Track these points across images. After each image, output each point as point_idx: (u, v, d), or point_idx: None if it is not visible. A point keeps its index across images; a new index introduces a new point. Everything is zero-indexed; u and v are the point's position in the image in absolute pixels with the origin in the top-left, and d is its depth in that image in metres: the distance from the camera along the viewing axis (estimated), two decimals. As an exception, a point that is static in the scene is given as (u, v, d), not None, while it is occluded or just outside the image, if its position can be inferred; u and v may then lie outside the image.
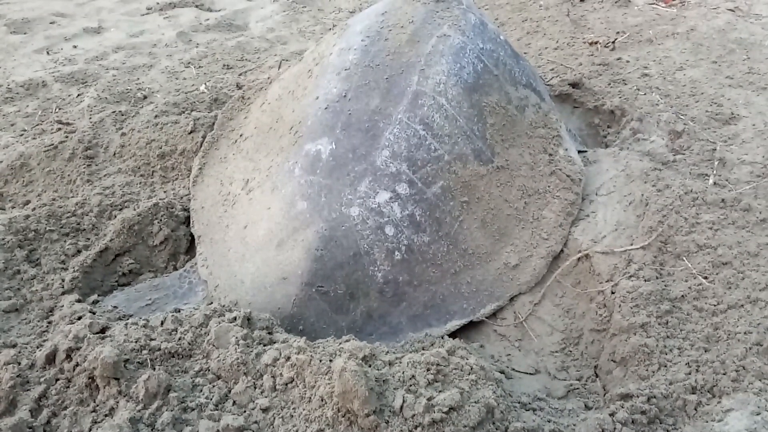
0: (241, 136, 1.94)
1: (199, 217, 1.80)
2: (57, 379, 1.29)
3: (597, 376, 1.50)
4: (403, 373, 1.23)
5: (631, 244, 1.67)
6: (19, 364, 1.31)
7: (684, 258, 1.61)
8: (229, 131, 2.00)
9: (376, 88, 1.73)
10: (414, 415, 1.15)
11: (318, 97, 1.77)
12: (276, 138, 1.80)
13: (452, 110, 1.72)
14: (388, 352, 1.31)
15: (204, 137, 2.09)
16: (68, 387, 1.27)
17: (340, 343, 1.34)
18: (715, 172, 1.86)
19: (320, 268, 1.51)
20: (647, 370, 1.40)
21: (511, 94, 1.90)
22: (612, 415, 1.29)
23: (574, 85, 2.43)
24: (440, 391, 1.20)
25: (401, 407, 1.16)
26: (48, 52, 2.89)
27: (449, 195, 1.65)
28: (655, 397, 1.31)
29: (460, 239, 1.64)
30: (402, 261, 1.56)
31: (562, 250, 1.75)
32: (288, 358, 1.26)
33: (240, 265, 1.59)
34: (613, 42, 2.74)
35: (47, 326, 1.51)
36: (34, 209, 1.85)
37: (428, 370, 1.23)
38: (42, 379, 1.28)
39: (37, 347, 1.39)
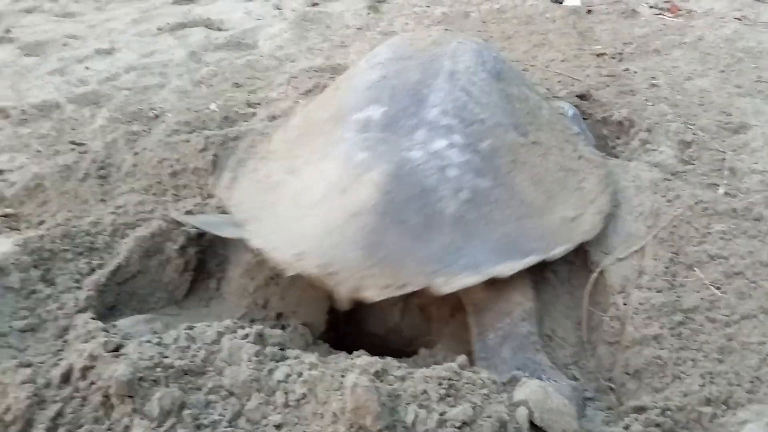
0: (269, 152, 1.96)
1: (239, 209, 1.78)
2: (72, 398, 1.29)
3: (611, 389, 1.49)
4: (415, 388, 1.23)
5: (642, 257, 1.66)
6: (35, 383, 1.32)
7: (696, 268, 1.60)
8: (254, 154, 2.01)
9: (413, 69, 1.81)
10: (426, 430, 1.15)
11: (355, 88, 1.83)
12: (313, 133, 1.82)
13: (485, 87, 1.80)
14: (399, 367, 1.31)
15: (215, 155, 2.11)
16: (83, 405, 1.28)
17: (352, 359, 1.34)
18: (725, 181, 1.86)
19: (392, 200, 1.51)
20: (661, 382, 1.40)
21: (528, 94, 1.96)
22: (626, 428, 1.28)
23: (582, 96, 2.44)
24: (452, 406, 1.20)
25: (413, 422, 1.16)
26: (61, 74, 2.93)
27: (498, 152, 1.68)
28: (669, 410, 1.30)
29: (517, 190, 1.65)
30: (469, 201, 1.57)
31: (573, 262, 1.75)
32: (300, 374, 1.27)
33: (299, 224, 1.59)
34: (621, 53, 2.74)
35: (62, 345, 1.52)
36: (48, 229, 1.86)
37: (440, 384, 1.23)
38: (57, 398, 1.29)
39: (53, 366, 1.40)
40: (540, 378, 1.42)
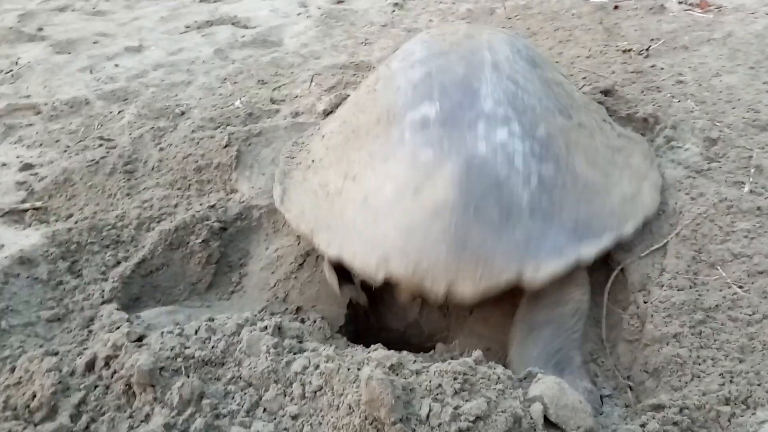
0: (313, 161, 1.94)
1: (302, 219, 1.76)
2: (96, 386, 1.33)
3: (629, 387, 1.48)
4: (430, 381, 1.24)
5: (664, 255, 1.64)
6: (61, 371, 1.36)
7: (718, 267, 1.58)
8: (297, 164, 2.00)
9: (456, 63, 1.79)
10: (440, 424, 1.16)
11: (399, 88, 1.80)
12: (363, 137, 1.80)
13: (527, 75, 1.80)
14: (415, 361, 1.32)
15: (238, 151, 2.14)
16: (106, 393, 1.32)
17: (368, 352, 1.35)
18: (751, 179, 1.83)
19: (469, 194, 1.50)
20: (680, 380, 1.38)
21: (561, 78, 1.96)
22: (643, 426, 1.27)
23: (607, 93, 2.41)
24: (467, 400, 1.20)
25: (428, 416, 1.17)
26: (91, 71, 3.00)
27: (553, 138, 1.68)
28: (687, 408, 1.29)
29: (578, 173, 1.66)
30: (539, 187, 1.57)
31: (594, 261, 1.74)
32: (317, 367, 1.29)
33: (374, 227, 1.57)
34: (647, 49, 2.71)
35: (88, 335, 1.56)
36: (76, 222, 1.92)
37: (455, 379, 1.24)
38: (82, 386, 1.33)
39: (78, 355, 1.44)
40: (563, 372, 1.42)
